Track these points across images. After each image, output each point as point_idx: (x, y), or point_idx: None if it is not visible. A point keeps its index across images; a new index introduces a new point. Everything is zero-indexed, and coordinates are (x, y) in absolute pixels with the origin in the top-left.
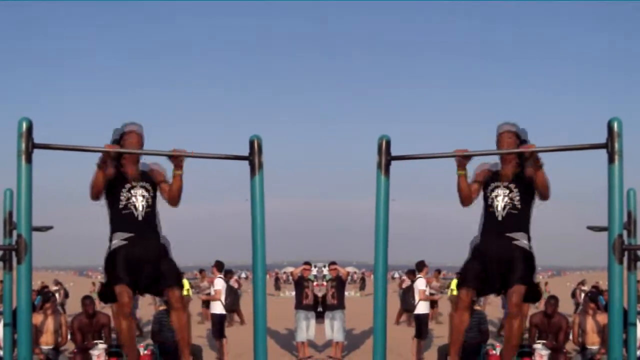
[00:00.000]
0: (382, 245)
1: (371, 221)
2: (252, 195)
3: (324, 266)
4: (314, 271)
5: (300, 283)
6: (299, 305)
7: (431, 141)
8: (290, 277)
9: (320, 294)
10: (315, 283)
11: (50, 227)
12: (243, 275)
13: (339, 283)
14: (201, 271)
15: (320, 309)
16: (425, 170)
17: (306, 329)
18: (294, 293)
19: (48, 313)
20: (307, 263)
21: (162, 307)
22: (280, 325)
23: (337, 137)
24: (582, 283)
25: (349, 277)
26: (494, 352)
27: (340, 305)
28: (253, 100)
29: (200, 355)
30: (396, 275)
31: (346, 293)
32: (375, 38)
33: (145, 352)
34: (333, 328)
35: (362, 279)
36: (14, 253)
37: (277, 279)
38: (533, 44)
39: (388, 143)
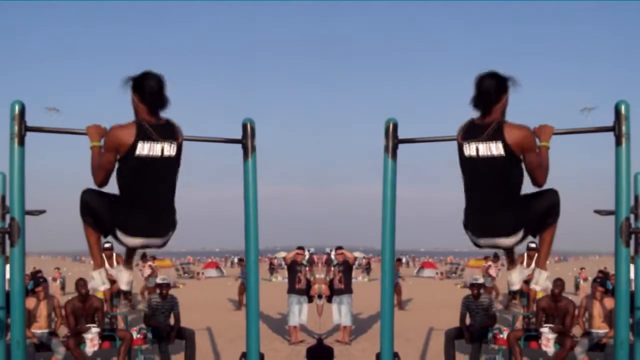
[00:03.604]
0: (389, 229)
1: (377, 206)
2: (245, 179)
3: (331, 251)
4: (306, 256)
5: (293, 268)
6: (292, 289)
7: (438, 125)
8: (283, 262)
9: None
10: (307, 268)
11: (43, 211)
12: (236, 260)
13: (346, 268)
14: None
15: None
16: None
17: (298, 313)
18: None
19: (41, 297)
20: (300, 248)
21: (155, 293)
22: (273, 310)
23: (343, 119)
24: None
25: (356, 263)
26: (501, 335)
27: (348, 289)
28: (258, 87)
29: (193, 338)
30: (403, 260)
31: (353, 278)
32: (378, 22)
33: (139, 335)
34: (341, 312)
35: (368, 264)
36: (6, 236)
37: (271, 265)
38: (536, 30)
39: (395, 126)
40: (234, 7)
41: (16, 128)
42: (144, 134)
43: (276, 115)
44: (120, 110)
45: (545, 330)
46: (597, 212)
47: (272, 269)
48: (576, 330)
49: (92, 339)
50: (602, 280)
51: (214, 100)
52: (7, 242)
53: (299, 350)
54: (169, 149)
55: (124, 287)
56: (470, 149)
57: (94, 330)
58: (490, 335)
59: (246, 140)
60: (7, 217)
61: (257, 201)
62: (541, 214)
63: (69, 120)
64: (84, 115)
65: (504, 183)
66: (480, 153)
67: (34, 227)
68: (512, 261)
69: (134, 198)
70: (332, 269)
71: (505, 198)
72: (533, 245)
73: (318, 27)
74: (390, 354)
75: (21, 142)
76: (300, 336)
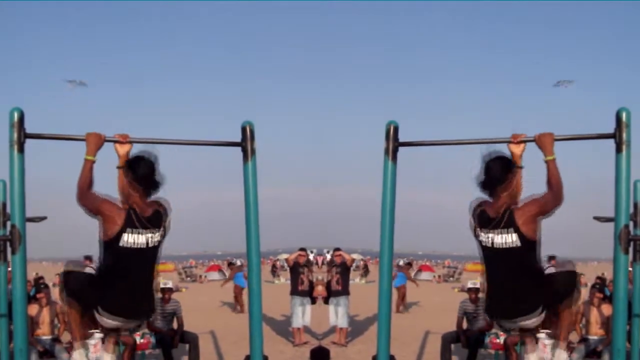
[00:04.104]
0: (388, 231)
1: (375, 208)
2: (245, 182)
3: (328, 252)
4: (311, 257)
5: (296, 269)
6: (295, 291)
7: (439, 129)
8: (286, 264)
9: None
10: (309, 269)
11: (44, 218)
12: (238, 262)
13: (344, 269)
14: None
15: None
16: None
17: (302, 314)
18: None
19: (43, 303)
20: (302, 249)
21: (158, 295)
22: (276, 312)
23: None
24: None
25: (354, 264)
26: (497, 340)
27: (345, 291)
28: (255, 86)
29: (197, 342)
30: (401, 262)
31: (350, 280)
32: (379, 24)
33: (142, 340)
34: (337, 314)
35: (365, 267)
36: (8, 243)
37: (274, 267)
38: (538, 34)
39: (396, 129)
40: (233, 6)
41: (15, 135)
42: (131, 225)
43: (276, 117)
44: (119, 110)
45: (542, 335)
46: (597, 218)
47: (275, 270)
48: (573, 337)
49: (95, 345)
50: (601, 287)
51: (214, 103)
52: (9, 249)
53: (303, 352)
54: (153, 239)
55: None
56: (485, 239)
57: (97, 335)
58: (487, 340)
59: (246, 143)
60: (8, 224)
61: (257, 204)
62: (559, 294)
63: (68, 122)
64: (83, 115)
65: (521, 269)
66: (496, 245)
67: (35, 234)
68: (530, 339)
69: (117, 282)
70: (331, 270)
71: (524, 282)
72: None
73: (318, 27)
74: (387, 356)
75: (21, 149)
76: (304, 338)
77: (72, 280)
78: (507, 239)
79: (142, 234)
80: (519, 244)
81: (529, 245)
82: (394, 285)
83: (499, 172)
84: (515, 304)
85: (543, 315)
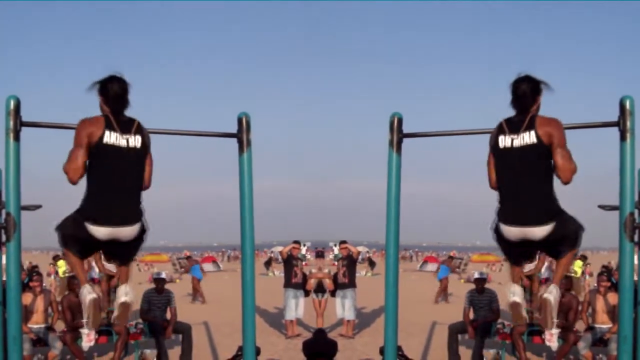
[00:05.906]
0: (393, 223)
1: (380, 201)
2: (240, 173)
3: (335, 245)
4: (303, 250)
5: (290, 262)
6: (288, 283)
7: (443, 119)
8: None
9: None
10: (304, 262)
11: (39, 206)
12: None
13: (350, 262)
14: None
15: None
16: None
17: (295, 307)
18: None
19: (37, 292)
20: (296, 242)
21: (151, 286)
22: (269, 304)
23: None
24: None
25: (359, 257)
26: (504, 330)
27: (352, 283)
28: (257, 78)
29: (190, 333)
30: (407, 254)
31: (357, 273)
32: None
33: (135, 330)
34: (344, 306)
35: (370, 260)
36: (2, 231)
37: (269, 260)
38: (543, 22)
39: (400, 120)
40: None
41: (11, 123)
42: (110, 126)
43: (275, 108)
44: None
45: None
46: (601, 207)
47: (269, 263)
48: (579, 326)
49: (88, 334)
50: (608, 274)
51: (209, 93)
52: (3, 237)
53: (296, 344)
54: (134, 141)
55: (122, 299)
56: (505, 142)
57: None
58: (493, 329)
59: (241, 135)
60: (3, 212)
61: (252, 195)
62: (564, 235)
63: (66, 114)
64: (81, 107)
65: (535, 171)
66: (514, 144)
67: (29, 222)
68: (516, 275)
69: (101, 186)
70: (336, 263)
71: (537, 187)
72: None
73: (318, 17)
74: (394, 347)
75: (16, 138)
76: (296, 330)
77: (63, 228)
78: (525, 138)
79: (121, 138)
80: (535, 141)
81: (545, 148)
82: (438, 278)
83: (528, 92)
84: (527, 208)
85: (550, 229)
